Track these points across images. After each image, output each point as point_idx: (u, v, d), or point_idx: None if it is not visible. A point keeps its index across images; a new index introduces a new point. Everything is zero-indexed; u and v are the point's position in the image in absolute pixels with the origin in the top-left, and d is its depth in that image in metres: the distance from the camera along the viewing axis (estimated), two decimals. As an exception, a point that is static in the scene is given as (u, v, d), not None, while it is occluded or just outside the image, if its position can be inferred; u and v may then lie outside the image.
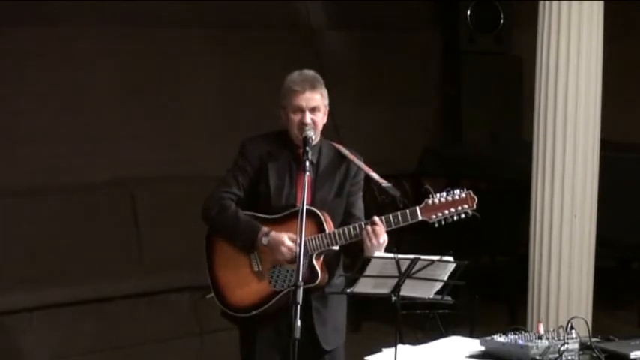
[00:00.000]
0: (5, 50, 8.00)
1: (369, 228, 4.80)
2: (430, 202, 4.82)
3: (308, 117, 4.89)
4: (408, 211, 4.83)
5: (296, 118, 4.90)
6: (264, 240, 4.87)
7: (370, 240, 4.79)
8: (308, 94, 4.90)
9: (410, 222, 4.84)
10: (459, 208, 4.81)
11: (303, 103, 4.89)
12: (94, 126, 8.38)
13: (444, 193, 4.82)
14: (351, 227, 4.85)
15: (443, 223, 4.84)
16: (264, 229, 4.89)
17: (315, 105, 4.92)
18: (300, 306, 4.46)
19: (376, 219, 4.81)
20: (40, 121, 8.16)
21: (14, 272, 7.53)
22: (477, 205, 4.82)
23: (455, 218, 4.82)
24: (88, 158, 8.32)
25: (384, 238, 4.81)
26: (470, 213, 4.82)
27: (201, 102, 8.90)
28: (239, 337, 5.11)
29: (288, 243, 4.83)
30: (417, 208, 4.83)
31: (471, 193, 4.82)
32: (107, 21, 8.41)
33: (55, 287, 7.52)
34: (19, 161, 8.02)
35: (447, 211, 4.81)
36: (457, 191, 4.83)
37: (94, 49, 8.41)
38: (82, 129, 8.32)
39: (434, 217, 4.82)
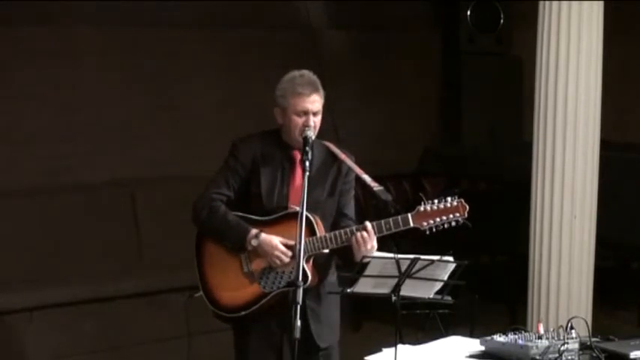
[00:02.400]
0: (5, 50, 8.00)
1: (358, 234, 4.79)
2: (422, 208, 4.81)
3: (312, 120, 4.90)
4: (399, 217, 4.81)
5: (300, 120, 4.89)
6: (254, 242, 4.87)
7: (359, 247, 4.78)
8: (313, 98, 4.90)
9: (401, 228, 4.82)
10: (451, 216, 4.80)
11: (310, 107, 4.89)
12: (94, 126, 8.38)
13: (436, 201, 4.81)
14: (342, 232, 4.84)
15: (434, 230, 4.83)
16: (254, 231, 4.88)
17: (318, 108, 4.93)
18: (300, 306, 4.46)
19: (367, 225, 4.80)
20: (40, 121, 8.17)
21: (14, 272, 7.53)
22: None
23: (446, 226, 4.82)
24: (88, 158, 8.32)
25: (372, 245, 4.80)
26: (461, 221, 4.81)
27: (200, 102, 8.90)
28: (233, 337, 5.11)
29: (282, 248, 4.83)
30: (409, 215, 4.82)
31: (463, 201, 4.81)
32: (107, 21, 8.41)
33: (55, 287, 7.51)
34: (19, 161, 8.02)
35: (438, 219, 4.80)
36: (449, 199, 4.82)
37: (94, 49, 8.41)
38: (82, 129, 8.32)
39: (425, 224, 4.81)
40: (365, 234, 4.78)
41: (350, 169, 4.99)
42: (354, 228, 4.83)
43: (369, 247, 4.78)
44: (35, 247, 7.76)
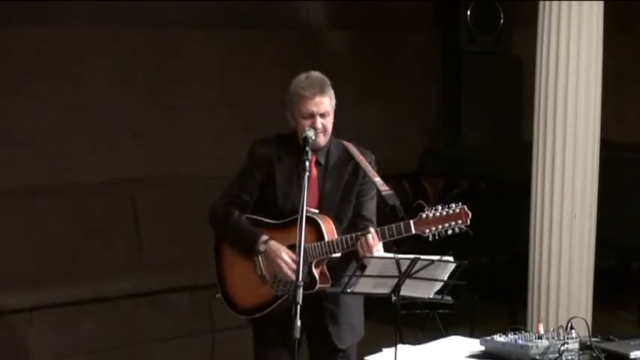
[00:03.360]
0: (5, 50, 8.00)
1: (362, 239, 4.80)
2: (424, 215, 4.81)
3: (319, 122, 4.89)
4: (402, 224, 4.81)
5: (307, 122, 4.88)
6: (262, 247, 4.89)
7: (363, 252, 4.78)
8: (318, 100, 4.88)
9: (404, 235, 4.83)
10: (453, 223, 4.79)
11: (314, 109, 4.87)
12: (94, 126, 8.38)
13: (439, 207, 4.81)
14: (348, 237, 4.84)
15: (437, 237, 4.83)
16: (263, 237, 4.90)
17: (326, 110, 4.90)
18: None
19: (371, 230, 4.81)
20: (40, 121, 8.17)
21: (14, 272, 7.53)
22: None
23: (449, 232, 4.82)
24: (88, 158, 8.32)
25: (377, 250, 4.79)
26: (464, 228, 4.81)
27: (201, 102, 8.90)
28: (253, 337, 5.13)
29: (286, 258, 4.84)
30: (411, 222, 4.81)
31: (465, 208, 4.81)
32: (107, 21, 8.41)
33: (55, 287, 7.52)
34: (19, 161, 8.02)
35: (440, 226, 4.79)
36: (452, 206, 4.81)
37: (94, 49, 8.41)
38: (82, 129, 8.33)
39: (427, 231, 4.80)
40: (369, 239, 4.79)
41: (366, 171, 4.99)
42: (358, 233, 4.83)
43: (373, 252, 4.78)
44: (35, 247, 7.76)
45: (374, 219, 5.03)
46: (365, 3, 9.71)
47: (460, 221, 4.79)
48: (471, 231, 4.81)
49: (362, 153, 5.02)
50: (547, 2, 6.84)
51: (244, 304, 4.99)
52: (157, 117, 8.68)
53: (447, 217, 4.80)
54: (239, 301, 5.00)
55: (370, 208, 5.05)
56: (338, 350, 5.03)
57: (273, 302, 4.94)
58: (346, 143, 5.04)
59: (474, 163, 9.17)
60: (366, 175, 4.99)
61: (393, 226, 4.81)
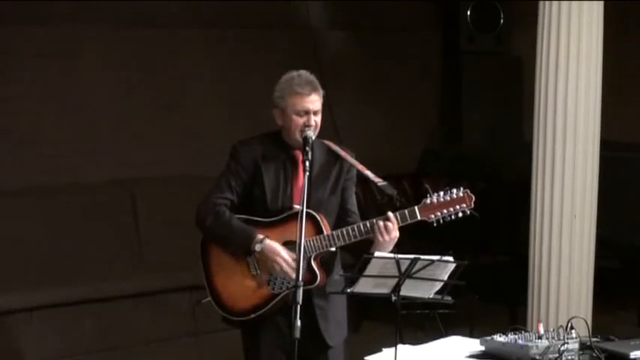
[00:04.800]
0: (5, 50, 8.00)
1: (380, 224, 4.81)
2: (428, 201, 4.85)
3: (313, 119, 4.90)
4: (406, 211, 4.85)
5: (300, 120, 4.90)
6: (258, 247, 4.88)
7: (382, 236, 4.81)
8: (313, 97, 4.91)
9: (409, 222, 4.86)
10: (457, 207, 4.84)
11: (310, 106, 4.90)
12: (94, 126, 8.38)
13: (442, 193, 4.84)
14: (360, 225, 4.86)
15: (442, 222, 4.86)
16: (259, 236, 4.89)
17: (319, 107, 4.94)
18: (301, 305, 4.47)
19: (390, 215, 4.83)
20: (40, 121, 8.17)
21: (14, 272, 7.53)
22: (475, 203, 4.84)
23: (453, 217, 4.85)
24: (88, 158, 8.32)
25: (395, 234, 4.83)
26: (468, 212, 4.85)
27: (201, 102, 8.90)
28: (242, 339, 5.11)
29: (284, 255, 4.84)
30: (416, 208, 4.86)
31: (469, 191, 4.85)
32: (107, 21, 8.41)
33: (55, 287, 7.51)
34: (19, 161, 8.02)
35: (445, 211, 4.84)
36: (455, 190, 4.85)
37: (94, 49, 8.41)
38: (82, 129, 8.33)
39: (432, 216, 4.85)
40: (388, 224, 4.81)
41: (351, 165, 5.01)
42: (374, 220, 4.85)
43: (392, 235, 4.82)
44: (35, 247, 7.76)
45: (357, 211, 5.06)
46: (365, 3, 9.71)
47: (464, 205, 4.84)
48: (476, 213, 4.83)
49: (343, 150, 5.04)
50: (547, 2, 6.84)
51: (239, 305, 4.97)
52: (157, 117, 8.68)
53: (451, 201, 4.84)
54: (233, 304, 4.98)
55: (354, 202, 5.08)
56: (327, 347, 5.03)
57: (269, 301, 4.93)
58: (326, 142, 5.06)
59: (473, 163, 9.18)
60: (349, 170, 5.01)
61: (398, 213, 4.85)
